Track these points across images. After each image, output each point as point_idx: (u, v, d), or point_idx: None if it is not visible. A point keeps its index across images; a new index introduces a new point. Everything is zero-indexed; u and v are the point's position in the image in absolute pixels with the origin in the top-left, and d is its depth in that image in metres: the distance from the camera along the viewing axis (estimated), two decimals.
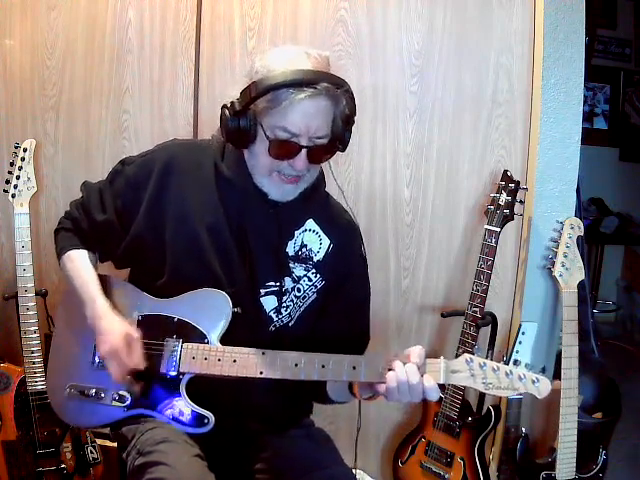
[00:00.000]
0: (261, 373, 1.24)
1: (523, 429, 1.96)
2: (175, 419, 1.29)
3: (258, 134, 1.25)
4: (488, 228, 1.86)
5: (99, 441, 2.04)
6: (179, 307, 1.33)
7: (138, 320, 1.35)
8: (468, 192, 2.04)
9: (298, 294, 1.38)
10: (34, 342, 1.91)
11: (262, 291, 1.36)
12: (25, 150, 1.94)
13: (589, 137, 3.19)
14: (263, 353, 1.25)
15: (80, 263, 1.42)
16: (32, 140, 1.96)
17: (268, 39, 2.03)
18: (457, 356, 1.17)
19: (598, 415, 2.02)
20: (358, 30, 2.00)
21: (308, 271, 1.39)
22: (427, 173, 2.05)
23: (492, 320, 1.94)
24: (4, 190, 1.94)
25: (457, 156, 2.03)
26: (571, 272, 1.91)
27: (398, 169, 2.06)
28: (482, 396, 1.97)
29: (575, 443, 1.88)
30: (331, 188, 1.49)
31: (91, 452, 2.01)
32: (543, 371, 1.14)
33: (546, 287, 2.03)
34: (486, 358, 1.16)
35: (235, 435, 1.38)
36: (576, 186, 2.02)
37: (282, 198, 1.31)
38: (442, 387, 1.88)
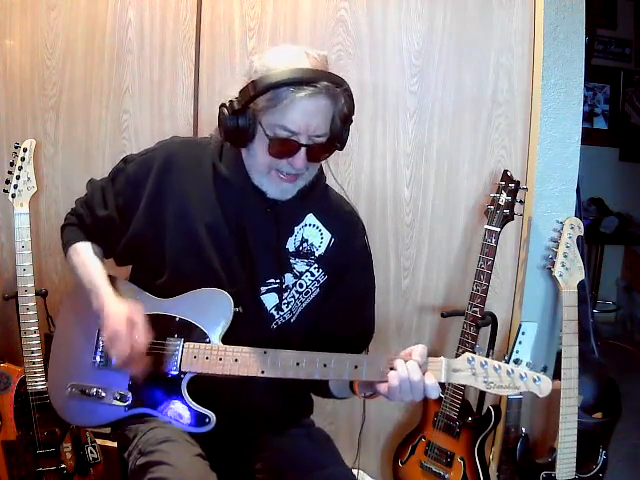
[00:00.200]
0: (262, 372, 1.24)
1: (523, 429, 1.96)
2: (176, 418, 1.29)
3: (257, 133, 1.25)
4: (488, 228, 1.86)
5: (99, 441, 2.04)
6: (181, 306, 1.33)
7: None
8: (468, 192, 2.04)
9: (300, 290, 1.38)
10: (34, 342, 1.91)
11: (262, 289, 1.36)
12: (25, 150, 1.94)
13: (589, 137, 3.19)
14: (264, 352, 1.25)
15: (85, 254, 1.43)
16: (32, 140, 1.96)
17: (268, 39, 2.03)
18: (457, 356, 1.17)
19: (598, 415, 2.02)
20: (358, 30, 2.00)
21: (310, 266, 1.39)
22: (427, 173, 2.05)
23: (492, 320, 1.94)
24: (4, 190, 1.94)
25: (457, 156, 2.04)
26: (571, 272, 1.91)
27: (398, 169, 2.06)
28: (482, 396, 1.97)
29: (575, 443, 1.88)
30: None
31: (91, 452, 2.01)
32: (544, 370, 1.14)
33: (546, 287, 2.03)
34: (487, 358, 1.16)
35: (236, 434, 1.38)
36: (576, 186, 2.02)
37: (281, 196, 1.31)
38: (442, 387, 1.88)
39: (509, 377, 1.13)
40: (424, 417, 1.99)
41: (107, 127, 2.14)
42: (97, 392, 1.34)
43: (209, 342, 1.29)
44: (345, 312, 1.42)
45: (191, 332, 1.31)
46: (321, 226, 1.40)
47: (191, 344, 1.29)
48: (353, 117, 1.31)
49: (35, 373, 1.91)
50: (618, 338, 4.02)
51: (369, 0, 1.99)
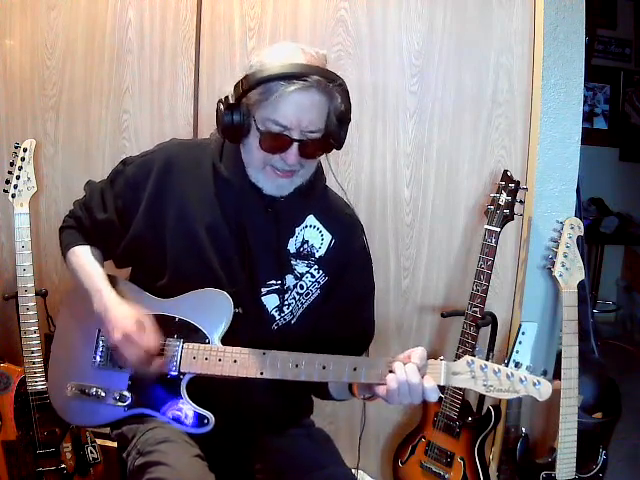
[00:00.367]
0: (261, 374, 1.23)
1: (523, 429, 1.97)
2: (175, 419, 1.29)
3: (251, 128, 1.25)
4: (488, 228, 1.86)
5: (99, 441, 2.05)
6: (180, 307, 1.33)
7: None
8: (468, 192, 2.04)
9: (301, 291, 1.38)
10: (34, 342, 1.91)
11: (263, 290, 1.36)
12: (25, 150, 1.94)
13: (589, 137, 3.18)
14: (264, 353, 1.24)
15: (85, 257, 1.42)
16: (32, 140, 1.96)
17: (268, 39, 2.03)
18: (457, 356, 1.17)
19: (598, 415, 2.02)
20: (358, 30, 2.00)
21: (310, 267, 1.39)
22: (427, 173, 2.05)
23: (492, 320, 1.94)
24: (4, 190, 1.94)
25: (457, 156, 2.03)
26: (571, 272, 1.91)
27: (398, 169, 2.06)
28: (482, 396, 1.96)
29: (575, 443, 1.88)
30: (331, 188, 1.49)
31: (91, 452, 2.01)
32: (544, 374, 1.14)
33: (546, 287, 2.03)
34: (486, 359, 1.16)
35: (235, 435, 1.38)
36: (576, 186, 2.02)
37: (277, 192, 1.31)
38: (442, 387, 1.88)
39: (509, 380, 1.13)
40: (424, 417, 1.99)
41: (107, 127, 2.14)
42: (97, 392, 1.34)
43: (209, 343, 1.29)
44: (345, 313, 1.42)
45: (191, 333, 1.30)
46: (322, 227, 1.40)
47: (190, 345, 1.29)
48: (351, 116, 1.30)
49: (35, 373, 1.91)
50: (618, 338, 4.02)
51: (369, 0, 1.99)
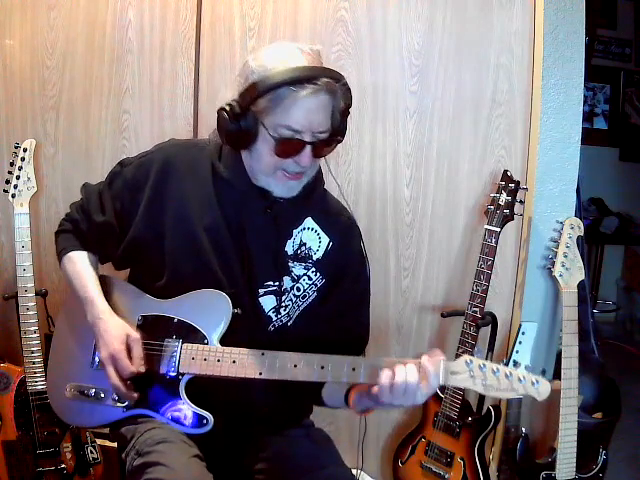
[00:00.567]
0: (260, 374, 1.23)
1: (523, 429, 1.96)
2: (174, 419, 1.29)
3: (260, 134, 1.25)
4: (488, 228, 1.86)
5: (99, 441, 2.04)
6: (179, 308, 1.33)
7: (138, 320, 1.35)
8: (468, 192, 2.04)
9: (298, 293, 1.38)
10: (34, 342, 1.91)
11: (261, 291, 1.35)
12: (25, 150, 1.94)
13: (589, 137, 3.19)
14: (262, 354, 1.24)
15: (80, 264, 1.42)
16: (32, 140, 1.96)
17: (268, 39, 2.03)
18: (457, 356, 1.17)
19: (598, 415, 2.02)
20: (358, 30, 2.00)
21: (308, 270, 1.39)
22: (427, 173, 2.05)
23: (492, 320, 1.94)
24: (4, 190, 1.94)
25: (457, 156, 2.03)
26: (571, 272, 1.91)
27: (398, 169, 2.06)
28: (482, 396, 1.96)
29: (575, 443, 1.88)
30: (331, 188, 1.49)
31: (91, 452, 2.01)
32: (543, 373, 1.14)
33: (546, 287, 2.03)
34: (486, 359, 1.15)
35: (234, 435, 1.38)
36: (576, 186, 2.02)
37: (287, 194, 1.31)
38: (442, 387, 1.88)
39: (507, 380, 1.12)
40: (424, 417, 1.99)
41: (107, 127, 2.14)
42: (96, 393, 1.34)
43: (207, 343, 1.29)
44: (340, 317, 1.41)
45: (189, 333, 1.30)
46: (320, 230, 1.40)
47: (189, 345, 1.29)
48: (351, 115, 1.31)
49: (35, 373, 1.91)
50: (618, 338, 4.02)
51: (369, 0, 1.99)
